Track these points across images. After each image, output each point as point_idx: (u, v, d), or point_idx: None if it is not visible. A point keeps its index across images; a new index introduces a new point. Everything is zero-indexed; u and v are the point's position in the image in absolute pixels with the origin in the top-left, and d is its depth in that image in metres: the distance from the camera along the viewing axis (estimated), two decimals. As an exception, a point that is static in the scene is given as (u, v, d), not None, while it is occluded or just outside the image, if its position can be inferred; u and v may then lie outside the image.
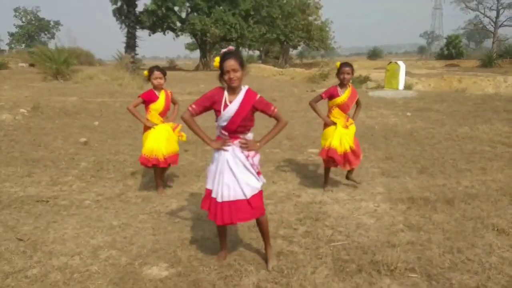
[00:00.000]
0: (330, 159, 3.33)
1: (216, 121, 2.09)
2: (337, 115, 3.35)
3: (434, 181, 3.76)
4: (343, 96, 3.27)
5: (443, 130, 6.14)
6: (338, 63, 3.31)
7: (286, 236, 2.60)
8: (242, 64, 1.98)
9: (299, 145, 5.28)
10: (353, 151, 3.34)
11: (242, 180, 2.04)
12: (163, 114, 3.39)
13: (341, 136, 3.29)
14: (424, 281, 2.07)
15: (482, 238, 2.54)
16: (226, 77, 1.97)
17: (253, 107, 2.03)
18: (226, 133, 2.07)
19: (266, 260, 2.26)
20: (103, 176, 3.98)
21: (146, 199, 3.34)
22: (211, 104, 2.04)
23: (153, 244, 2.50)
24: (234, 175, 2.03)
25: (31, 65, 14.60)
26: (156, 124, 3.36)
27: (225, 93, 2.04)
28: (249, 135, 2.12)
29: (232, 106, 2.00)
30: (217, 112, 2.04)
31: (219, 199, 2.06)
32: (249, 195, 2.06)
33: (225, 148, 2.06)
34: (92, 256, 2.34)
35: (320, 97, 3.33)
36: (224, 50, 2.02)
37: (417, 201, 3.19)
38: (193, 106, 2.04)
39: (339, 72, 3.25)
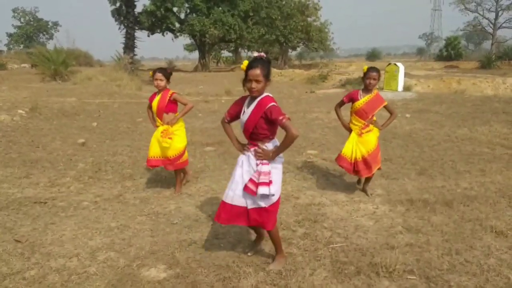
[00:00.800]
0: (340, 166, 3.31)
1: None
2: (354, 121, 3.27)
3: (433, 182, 3.76)
4: (360, 101, 3.17)
5: (442, 131, 6.15)
6: (365, 67, 3.23)
7: (284, 238, 2.60)
8: (267, 75, 1.97)
9: (298, 146, 5.28)
10: (364, 160, 3.22)
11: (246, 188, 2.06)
12: (159, 115, 3.35)
13: (353, 144, 3.23)
14: (422, 283, 2.07)
15: (481, 240, 2.54)
16: (248, 85, 2.00)
17: (264, 115, 1.99)
18: (246, 140, 2.15)
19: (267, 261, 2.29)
20: (101, 177, 3.96)
21: (144, 200, 3.33)
22: (237, 112, 2.14)
23: (151, 246, 2.49)
24: (243, 182, 2.06)
25: (34, 65, 14.56)
26: (157, 126, 3.38)
27: (247, 100, 2.10)
28: (268, 145, 2.08)
29: (246, 113, 2.06)
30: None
31: (226, 200, 2.10)
32: (250, 206, 2.08)
33: (244, 152, 2.13)
34: (90, 258, 2.34)
35: (342, 101, 3.29)
36: (255, 54, 2.02)
37: (416, 203, 3.19)
38: (226, 113, 2.22)
39: (365, 76, 3.16)
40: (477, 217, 2.90)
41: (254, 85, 1.96)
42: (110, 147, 5.19)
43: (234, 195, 2.07)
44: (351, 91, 3.35)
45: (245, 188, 2.05)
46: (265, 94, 2.05)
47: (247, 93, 2.07)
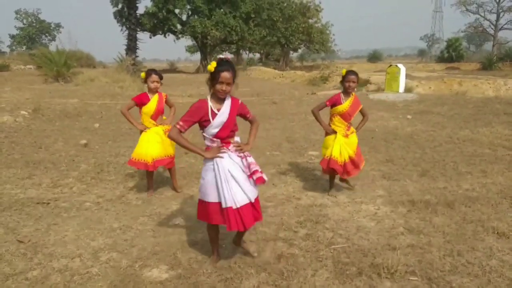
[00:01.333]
0: (330, 170, 3.32)
1: (203, 131, 2.10)
2: (338, 123, 3.31)
3: (435, 184, 3.76)
4: (345, 104, 3.24)
5: (443, 133, 6.14)
6: (344, 70, 3.27)
7: (286, 239, 2.60)
8: (234, 78, 2.03)
9: (299, 147, 5.28)
10: (352, 161, 3.31)
11: (244, 184, 2.07)
12: (155, 117, 3.36)
13: (340, 146, 3.27)
14: (424, 284, 2.07)
15: (483, 241, 2.54)
16: (218, 87, 2.00)
17: (237, 111, 2.13)
18: (218, 140, 2.10)
19: (247, 250, 2.32)
20: (103, 178, 3.98)
21: (146, 201, 3.34)
22: (199, 119, 2.05)
23: (154, 247, 2.50)
24: (238, 182, 2.05)
25: (39, 66, 14.62)
26: (148, 128, 3.35)
27: (209, 103, 2.06)
28: (237, 139, 2.17)
29: (223, 112, 2.05)
30: (205, 123, 2.05)
31: (236, 206, 2.03)
32: (253, 199, 2.10)
33: (221, 155, 2.07)
34: (93, 258, 2.34)
35: (324, 105, 3.31)
36: (221, 56, 2.03)
37: (417, 204, 3.19)
38: (180, 123, 2.03)
39: (344, 79, 3.21)
40: (479, 218, 2.89)
41: (225, 87, 2.00)
42: (113, 148, 5.21)
43: (236, 196, 2.05)
44: (330, 96, 3.38)
45: (257, 180, 2.09)
46: (229, 95, 2.12)
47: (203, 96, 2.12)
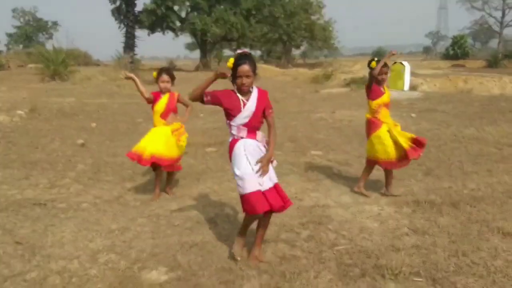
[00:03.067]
0: (398, 168, 3.32)
1: (231, 121, 2.16)
2: (386, 114, 3.28)
3: (440, 183, 3.71)
4: (387, 94, 3.26)
5: (448, 131, 6.08)
6: (374, 63, 3.24)
7: (288, 240, 2.56)
8: (254, 70, 2.11)
9: (302, 147, 5.22)
10: (414, 141, 3.23)
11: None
12: (165, 116, 3.30)
13: (397, 137, 3.21)
14: (429, 285, 2.04)
15: (488, 241, 2.50)
16: (238, 81, 2.09)
17: (265, 102, 2.17)
18: (246, 129, 2.16)
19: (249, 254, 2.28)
20: (101, 178, 3.94)
21: (145, 202, 3.30)
22: (222, 100, 2.13)
23: (153, 248, 2.46)
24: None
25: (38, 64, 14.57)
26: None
27: (238, 94, 2.15)
28: (260, 133, 2.23)
29: (251, 103, 2.12)
30: (234, 112, 2.13)
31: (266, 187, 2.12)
32: (276, 180, 2.18)
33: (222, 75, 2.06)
34: (91, 260, 2.31)
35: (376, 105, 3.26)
36: (239, 51, 2.10)
37: (422, 204, 3.14)
38: (208, 94, 2.13)
39: (379, 73, 3.18)
40: (484, 218, 2.85)
41: (245, 80, 2.06)
42: (110, 148, 5.18)
43: (264, 181, 2.11)
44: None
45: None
46: (255, 86, 2.19)
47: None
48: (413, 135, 3.30)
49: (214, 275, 2.14)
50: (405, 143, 3.20)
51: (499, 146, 5.09)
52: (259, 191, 2.06)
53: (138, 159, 3.18)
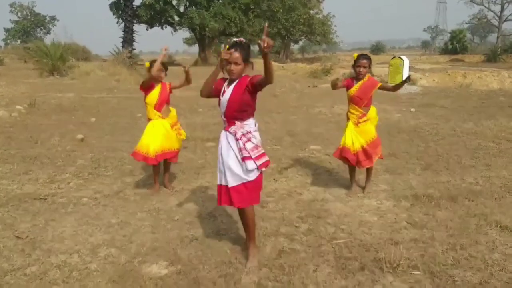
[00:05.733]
0: (343, 158, 3.21)
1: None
2: (352, 110, 3.21)
3: (438, 177, 3.72)
4: (353, 88, 3.11)
5: (447, 126, 6.08)
6: (355, 55, 3.16)
7: (287, 234, 2.57)
8: (245, 59, 2.05)
9: (300, 141, 5.22)
10: (364, 151, 3.15)
11: (228, 167, 2.10)
12: (159, 108, 3.26)
13: (352, 134, 3.16)
14: (427, 278, 2.06)
15: (486, 235, 2.52)
16: (227, 67, 2.05)
17: (247, 88, 2.05)
18: (225, 119, 2.14)
19: (248, 257, 2.22)
20: (100, 173, 3.93)
21: (145, 196, 3.30)
22: (214, 90, 2.15)
23: (153, 242, 2.47)
24: (223, 162, 2.13)
25: (36, 60, 14.42)
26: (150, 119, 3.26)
27: (225, 83, 2.14)
28: (249, 121, 2.13)
29: (227, 92, 2.09)
30: (218, 101, 2.15)
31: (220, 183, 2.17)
32: (230, 184, 2.10)
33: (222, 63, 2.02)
34: (91, 254, 2.32)
35: (341, 84, 3.17)
36: (235, 39, 2.07)
37: (420, 198, 3.15)
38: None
39: (355, 64, 3.09)
40: (482, 212, 2.87)
41: (233, 67, 2.03)
42: (110, 143, 5.15)
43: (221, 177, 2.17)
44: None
45: (259, 166, 2.14)
46: (243, 75, 2.12)
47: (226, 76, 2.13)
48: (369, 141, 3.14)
49: (214, 269, 2.15)
50: (357, 144, 3.13)
51: (497, 140, 5.10)
52: (220, 185, 2.17)
53: (144, 159, 3.20)
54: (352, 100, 3.17)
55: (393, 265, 2.13)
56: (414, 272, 2.09)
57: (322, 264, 2.19)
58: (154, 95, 3.22)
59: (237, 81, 2.09)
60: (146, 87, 3.23)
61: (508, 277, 2.05)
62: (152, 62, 3.24)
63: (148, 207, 3.07)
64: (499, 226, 2.62)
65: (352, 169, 3.35)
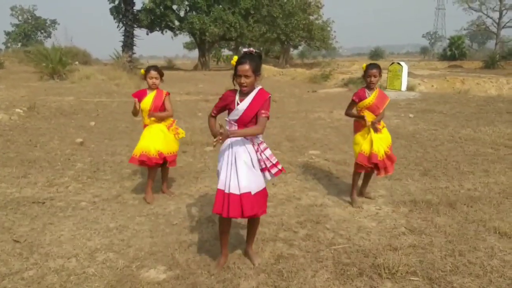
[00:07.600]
0: (368, 165, 3.11)
1: (228, 115, 2.17)
2: (368, 118, 3.14)
3: (437, 183, 3.72)
4: (370, 97, 3.10)
5: (445, 132, 6.11)
6: (364, 65, 3.16)
7: (286, 239, 2.57)
8: (256, 70, 2.05)
9: (299, 146, 5.23)
10: (388, 157, 3.12)
11: (244, 175, 2.05)
12: (151, 114, 3.18)
13: (377, 141, 3.09)
14: (425, 284, 2.05)
15: (484, 241, 2.52)
16: (238, 80, 2.05)
17: (261, 106, 2.09)
18: (236, 125, 2.14)
19: (250, 260, 2.26)
20: (99, 177, 3.93)
21: (143, 201, 3.30)
22: (225, 105, 2.16)
23: (151, 247, 2.46)
24: (237, 169, 2.05)
25: (37, 63, 14.44)
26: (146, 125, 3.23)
27: (237, 95, 2.13)
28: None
29: (242, 104, 2.08)
30: (230, 110, 2.15)
31: (226, 190, 2.03)
32: (253, 191, 2.06)
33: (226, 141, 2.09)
34: (89, 259, 2.31)
35: (353, 103, 3.15)
36: (245, 49, 2.07)
37: (419, 204, 3.16)
38: (213, 108, 2.22)
39: (365, 74, 3.10)
40: (480, 218, 2.87)
41: (243, 80, 2.02)
42: (109, 146, 5.15)
43: (231, 185, 2.08)
44: (355, 91, 3.25)
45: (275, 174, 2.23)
46: (259, 87, 2.12)
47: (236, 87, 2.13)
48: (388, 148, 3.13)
49: (212, 273, 2.14)
50: (381, 150, 3.08)
51: (495, 146, 5.12)
52: (223, 191, 2.03)
53: (148, 159, 3.09)
54: (369, 108, 3.15)
55: (391, 271, 2.13)
56: (412, 278, 2.09)
57: (320, 269, 2.19)
58: (148, 100, 3.16)
59: (254, 93, 2.08)
60: (133, 114, 3.21)
61: (507, 284, 2.05)
62: (147, 68, 3.21)
63: (147, 211, 3.06)
64: (497, 232, 2.63)
65: (363, 177, 3.31)
